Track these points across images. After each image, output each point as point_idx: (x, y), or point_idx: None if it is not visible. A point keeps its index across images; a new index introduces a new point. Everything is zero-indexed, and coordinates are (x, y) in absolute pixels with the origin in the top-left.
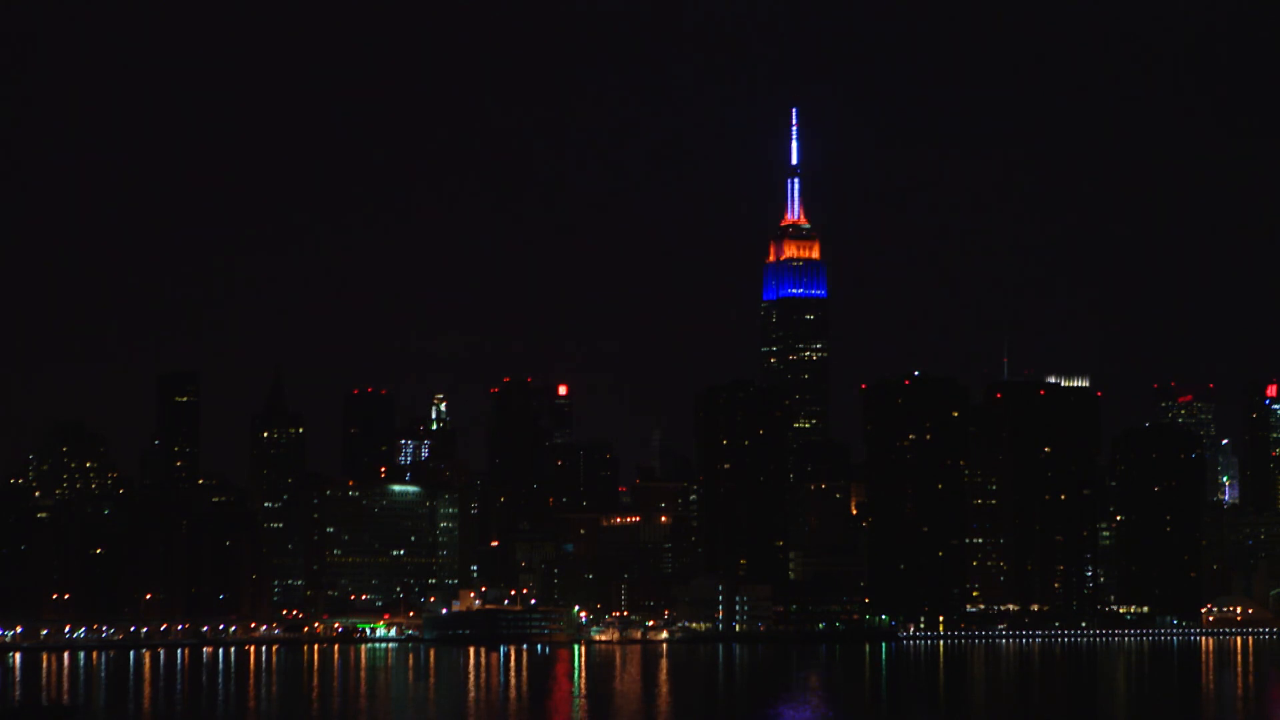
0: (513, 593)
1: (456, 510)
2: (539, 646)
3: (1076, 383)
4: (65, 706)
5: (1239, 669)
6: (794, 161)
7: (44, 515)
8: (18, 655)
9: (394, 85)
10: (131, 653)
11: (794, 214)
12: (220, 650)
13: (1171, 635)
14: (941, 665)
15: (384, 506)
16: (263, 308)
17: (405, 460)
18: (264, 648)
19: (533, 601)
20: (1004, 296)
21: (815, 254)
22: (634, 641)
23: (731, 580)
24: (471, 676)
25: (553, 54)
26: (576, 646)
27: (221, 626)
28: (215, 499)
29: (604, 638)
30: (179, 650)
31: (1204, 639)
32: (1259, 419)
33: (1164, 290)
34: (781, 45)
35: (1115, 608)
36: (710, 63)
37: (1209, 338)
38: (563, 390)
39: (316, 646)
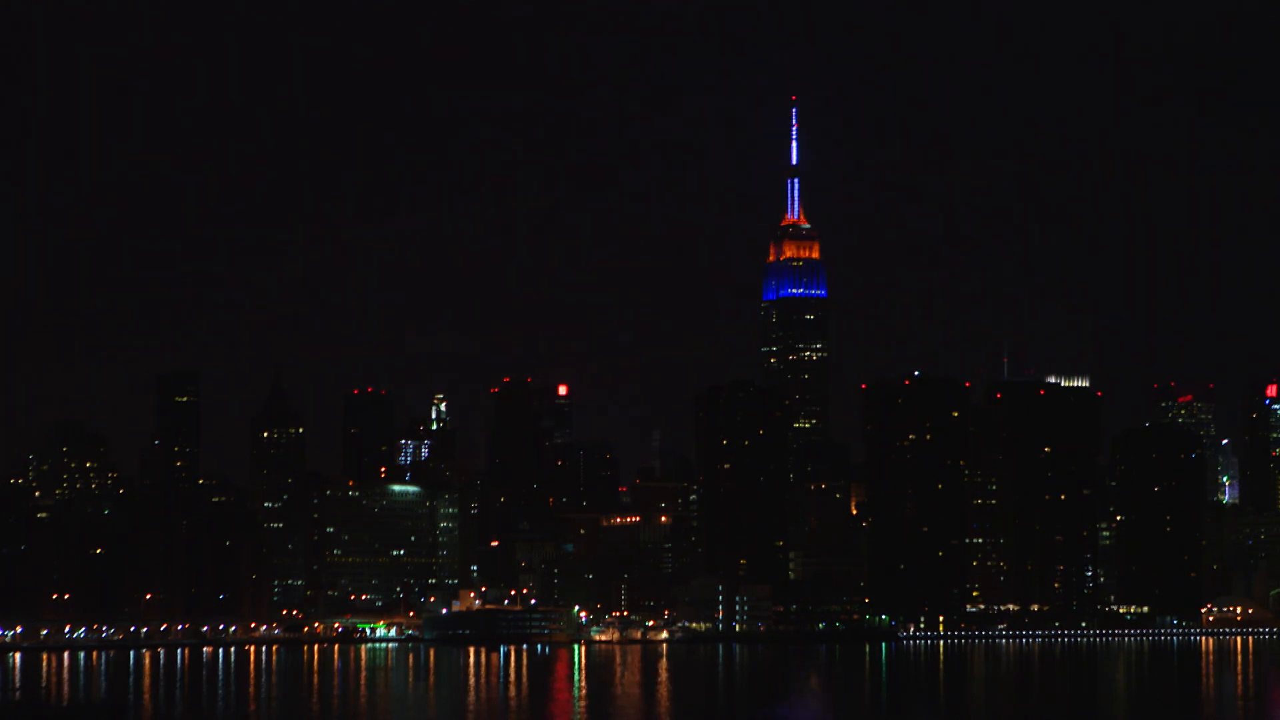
0: (513, 593)
1: (456, 510)
2: (539, 646)
3: (1076, 383)
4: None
5: (1239, 669)
6: (794, 161)
7: (44, 515)
8: (18, 655)
9: (394, 84)
10: (131, 653)
11: (794, 214)
12: (220, 650)
13: (1171, 635)
14: (941, 665)
15: (384, 506)
16: (263, 308)
17: (405, 460)
18: (264, 648)
19: (533, 601)
20: (1004, 296)
21: (815, 254)
22: (634, 641)
23: (731, 580)
24: (471, 676)
25: (552, 54)
26: (576, 646)
27: (221, 626)
28: (215, 499)
29: (604, 638)
30: (179, 650)
31: (1204, 639)
32: (1259, 419)
33: (1164, 290)
34: (781, 45)
35: (1115, 608)
36: (710, 63)
37: (1209, 338)
38: (563, 390)
39: (316, 646)
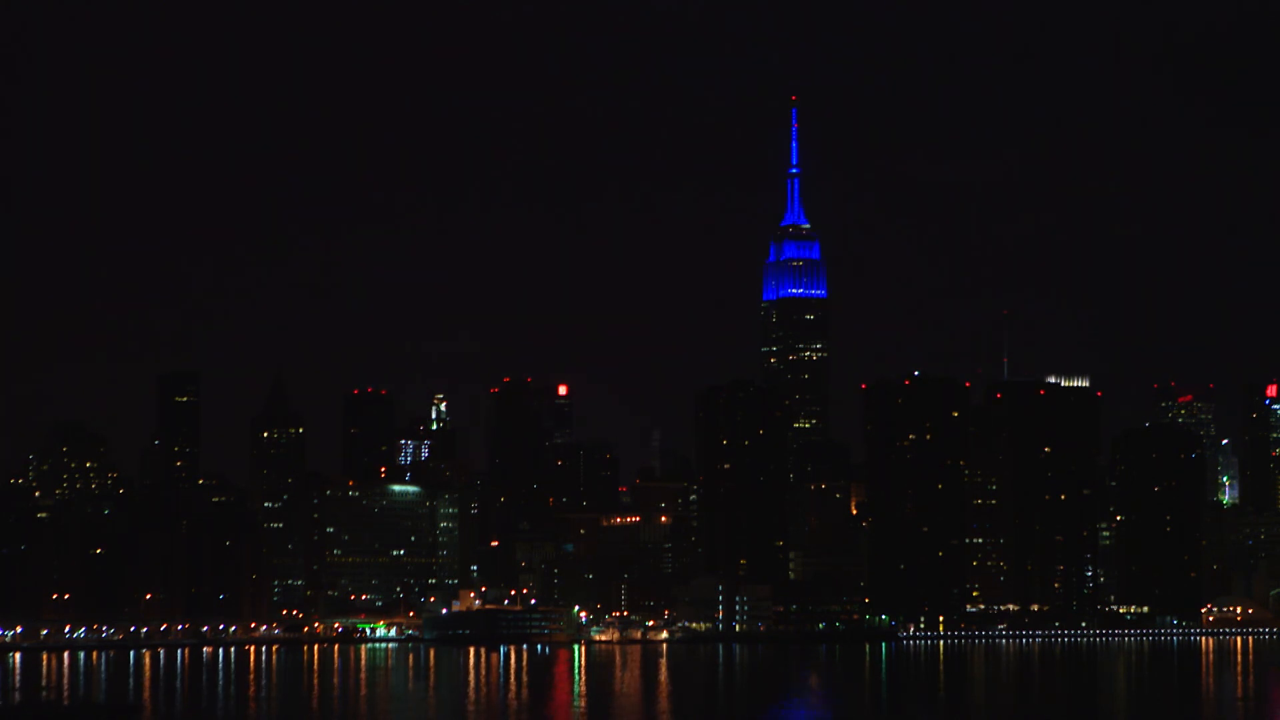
0: (513, 593)
1: (456, 510)
2: (539, 646)
3: (1076, 383)
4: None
5: (1239, 669)
6: (794, 161)
7: (44, 515)
8: (18, 655)
9: (394, 84)
10: (131, 653)
11: (794, 214)
12: (220, 650)
13: (1171, 635)
14: (941, 665)
15: (384, 506)
16: (263, 308)
17: (405, 460)
18: (264, 648)
19: (533, 601)
20: (1004, 296)
21: (815, 254)
22: (634, 641)
23: (731, 580)
24: (471, 676)
25: (551, 54)
26: (576, 646)
27: (221, 626)
28: (215, 499)
29: (604, 638)
30: (179, 650)
31: (1204, 639)
32: (1259, 419)
33: (1164, 290)
34: (781, 45)
35: (1115, 608)
36: (710, 63)
37: (1209, 338)
38: (563, 390)
39: (316, 646)
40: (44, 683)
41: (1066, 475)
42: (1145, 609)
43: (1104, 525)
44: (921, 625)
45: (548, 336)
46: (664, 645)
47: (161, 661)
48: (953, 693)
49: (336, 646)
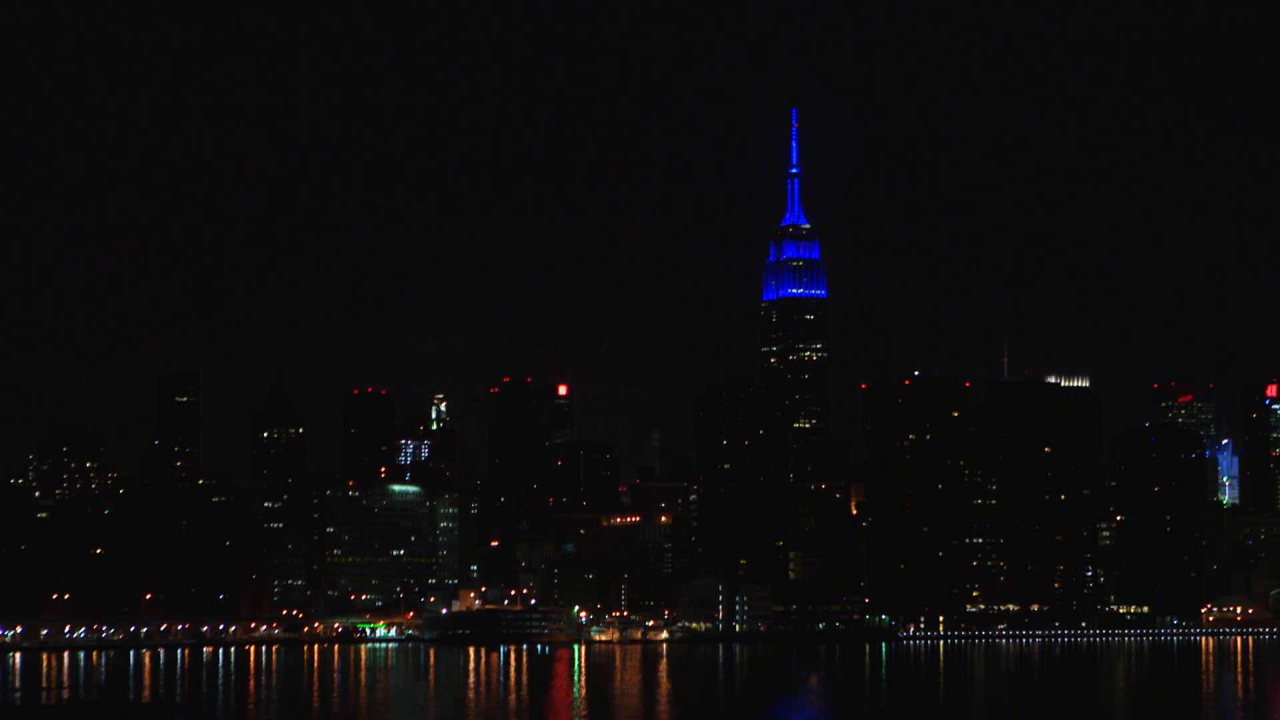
0: (513, 593)
1: (456, 510)
2: (539, 646)
3: (1076, 383)
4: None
5: (1239, 669)
6: (794, 161)
7: (44, 515)
8: (18, 655)
9: (393, 85)
10: (131, 653)
11: (794, 214)
12: (220, 650)
13: (1171, 635)
14: (941, 665)
15: (384, 506)
16: (263, 308)
17: (405, 460)
18: (264, 648)
19: (533, 601)
20: (1004, 296)
21: (815, 254)
22: (634, 641)
23: (731, 580)
24: (471, 676)
25: (551, 54)
26: (576, 646)
27: (221, 626)
28: (215, 499)
29: (604, 638)
30: (179, 650)
31: (1204, 639)
32: (1259, 419)
33: (1164, 290)
34: (782, 46)
35: (1115, 608)
36: (711, 63)
37: (1209, 338)
38: (563, 390)
39: (316, 646)
40: (44, 683)
41: (1066, 475)
42: (1145, 609)
43: (1104, 525)
44: (921, 625)
45: (548, 336)
46: (664, 645)
47: (161, 661)
48: (953, 693)
49: (336, 646)
